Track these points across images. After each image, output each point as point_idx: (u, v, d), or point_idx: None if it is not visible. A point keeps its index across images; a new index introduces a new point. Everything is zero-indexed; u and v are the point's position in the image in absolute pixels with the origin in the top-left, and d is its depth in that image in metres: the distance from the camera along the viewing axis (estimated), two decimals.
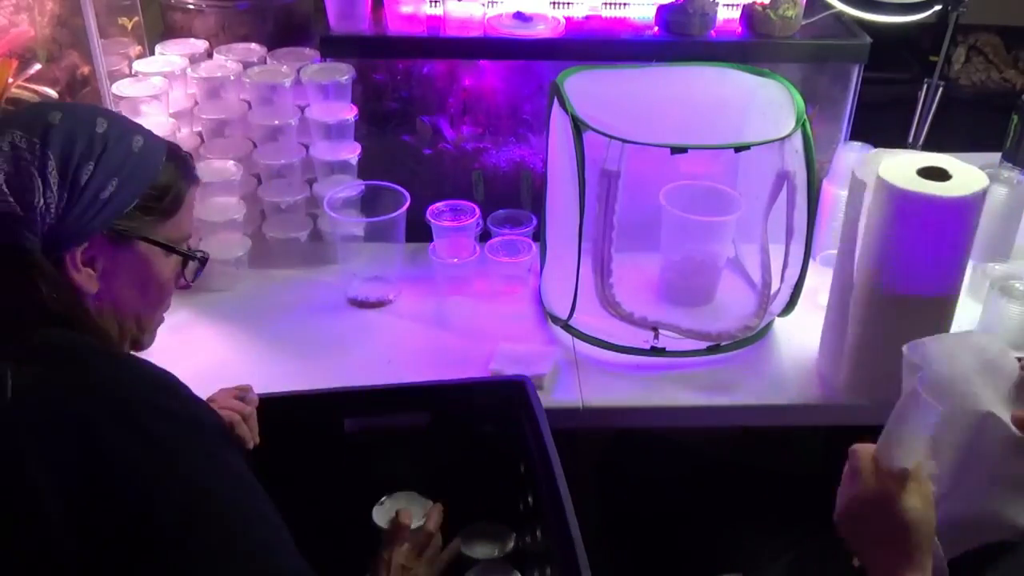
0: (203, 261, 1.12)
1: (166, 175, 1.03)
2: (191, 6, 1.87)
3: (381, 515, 1.33)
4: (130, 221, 1.00)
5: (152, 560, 0.85)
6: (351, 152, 1.76)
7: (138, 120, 1.08)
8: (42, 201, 0.94)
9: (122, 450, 0.87)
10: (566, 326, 1.59)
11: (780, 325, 1.65)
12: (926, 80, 1.93)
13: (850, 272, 1.40)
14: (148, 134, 1.05)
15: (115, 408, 0.89)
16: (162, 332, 1.26)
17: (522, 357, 1.52)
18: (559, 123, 1.51)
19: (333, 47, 1.77)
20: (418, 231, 1.70)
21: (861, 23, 1.80)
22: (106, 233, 0.99)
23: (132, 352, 1.09)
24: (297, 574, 0.92)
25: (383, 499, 1.35)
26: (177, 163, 1.07)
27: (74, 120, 0.98)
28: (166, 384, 0.97)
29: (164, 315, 1.14)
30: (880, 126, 1.87)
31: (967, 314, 1.59)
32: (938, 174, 1.31)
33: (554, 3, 1.82)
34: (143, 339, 1.10)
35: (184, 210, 1.07)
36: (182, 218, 1.07)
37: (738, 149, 1.45)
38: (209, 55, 1.84)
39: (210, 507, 0.89)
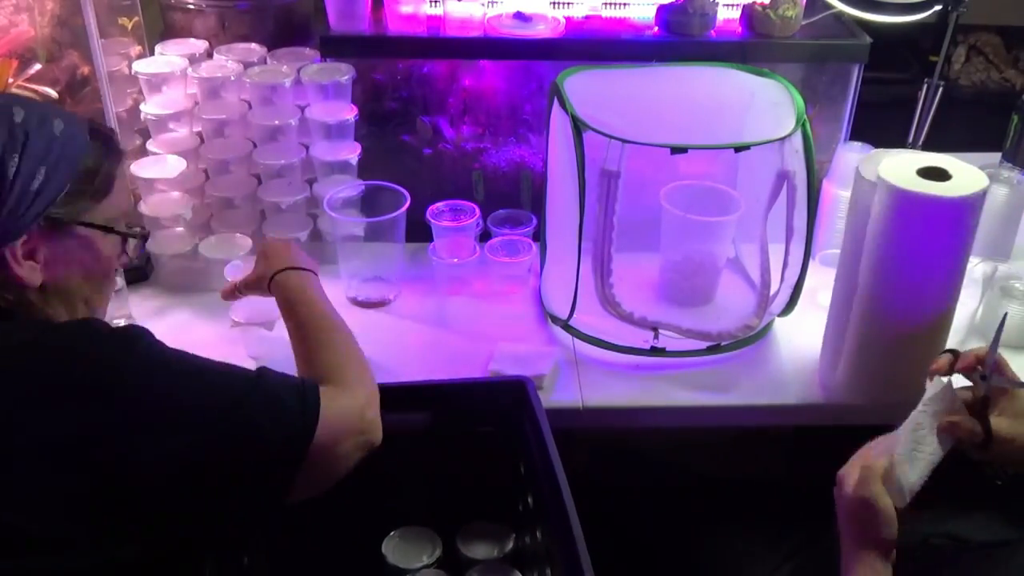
0: (143, 237, 1.12)
1: (93, 156, 1.02)
2: (191, 6, 1.87)
3: (391, 549, 1.33)
4: (64, 208, 0.99)
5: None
6: (351, 152, 1.76)
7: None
8: None
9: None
10: (566, 326, 1.59)
11: (780, 325, 1.65)
12: (926, 80, 1.93)
13: (854, 273, 1.40)
14: (65, 115, 1.03)
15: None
16: (162, 332, 1.25)
17: (522, 357, 1.52)
18: (559, 123, 1.51)
19: (333, 47, 1.77)
20: (418, 231, 1.70)
21: (861, 23, 1.80)
22: (42, 224, 0.98)
23: None
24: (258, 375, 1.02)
25: (393, 533, 1.35)
26: (102, 140, 1.05)
27: None
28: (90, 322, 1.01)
29: (111, 295, 1.14)
30: (880, 126, 1.87)
31: (967, 314, 1.59)
32: (938, 174, 1.31)
33: (554, 3, 1.82)
34: (90, 310, 1.10)
35: (116, 188, 1.05)
36: (116, 196, 1.05)
37: (738, 149, 1.45)
38: (209, 55, 1.84)
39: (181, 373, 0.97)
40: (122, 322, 1.57)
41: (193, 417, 0.93)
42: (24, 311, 0.99)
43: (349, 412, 1.06)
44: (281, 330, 1.29)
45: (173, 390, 0.94)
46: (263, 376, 1.02)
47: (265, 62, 1.82)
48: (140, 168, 1.69)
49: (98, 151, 1.03)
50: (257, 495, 0.98)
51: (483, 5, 1.76)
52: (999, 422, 1.10)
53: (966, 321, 1.58)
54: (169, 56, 1.79)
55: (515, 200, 1.85)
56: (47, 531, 0.87)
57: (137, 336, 0.97)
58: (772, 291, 1.56)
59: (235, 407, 0.96)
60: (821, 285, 1.63)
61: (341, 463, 1.05)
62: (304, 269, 1.28)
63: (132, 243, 1.11)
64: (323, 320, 1.20)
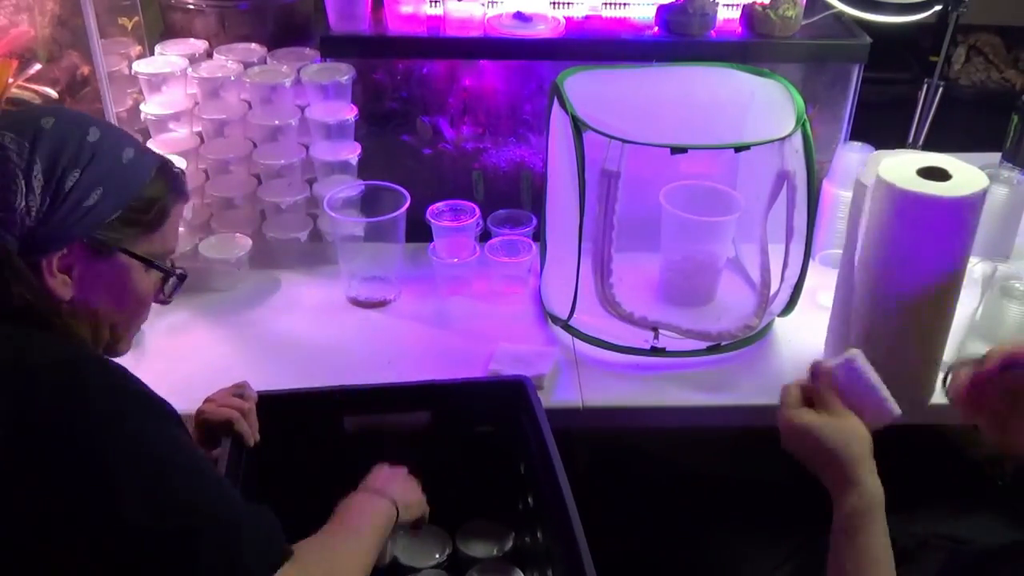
0: (181, 278, 1.11)
1: (153, 189, 1.03)
2: (191, 6, 1.87)
3: (400, 548, 1.33)
4: (111, 232, 1.00)
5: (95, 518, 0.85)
6: (351, 152, 1.76)
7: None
8: (23, 203, 0.94)
9: (59, 413, 0.87)
10: (566, 326, 1.59)
11: (780, 325, 1.65)
12: (926, 80, 1.93)
13: (859, 276, 1.40)
14: (140, 147, 1.05)
15: (58, 377, 0.90)
16: (162, 332, 1.26)
17: (522, 357, 1.52)
18: (559, 123, 1.51)
19: (333, 47, 1.77)
20: (418, 231, 1.70)
21: (861, 23, 1.80)
22: (86, 241, 0.98)
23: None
24: (242, 516, 0.92)
25: (402, 531, 1.35)
26: (167, 178, 1.06)
27: (66, 126, 0.98)
28: (118, 369, 0.97)
29: (142, 326, 1.14)
30: (880, 126, 1.87)
31: (967, 314, 1.59)
32: (938, 174, 1.31)
33: (554, 3, 1.82)
34: (117, 347, 1.09)
35: (168, 225, 1.07)
36: (166, 233, 1.06)
37: (738, 149, 1.45)
38: (209, 55, 1.84)
39: (154, 464, 0.89)
40: None
41: (155, 503, 0.87)
42: (49, 323, 0.98)
43: None
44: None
45: (165, 468, 0.89)
46: (245, 519, 0.92)
47: (265, 62, 1.82)
48: None
49: (160, 186, 1.04)
50: None
51: (483, 5, 1.76)
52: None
53: (966, 321, 1.58)
54: (169, 56, 1.79)
55: (515, 200, 1.85)
56: None
57: (165, 412, 0.95)
58: (772, 291, 1.56)
59: (198, 526, 0.88)
60: (821, 285, 1.63)
61: None
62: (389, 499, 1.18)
63: (171, 282, 1.10)
64: (359, 529, 1.11)
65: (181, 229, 1.73)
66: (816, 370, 1.14)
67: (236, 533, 0.90)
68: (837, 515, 1.06)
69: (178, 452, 0.92)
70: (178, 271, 1.11)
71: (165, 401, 0.96)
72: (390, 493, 1.18)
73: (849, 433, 1.08)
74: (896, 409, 1.12)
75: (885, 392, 1.12)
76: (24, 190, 0.94)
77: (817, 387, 1.12)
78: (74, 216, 0.97)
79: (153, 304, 1.12)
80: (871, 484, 1.05)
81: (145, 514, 0.85)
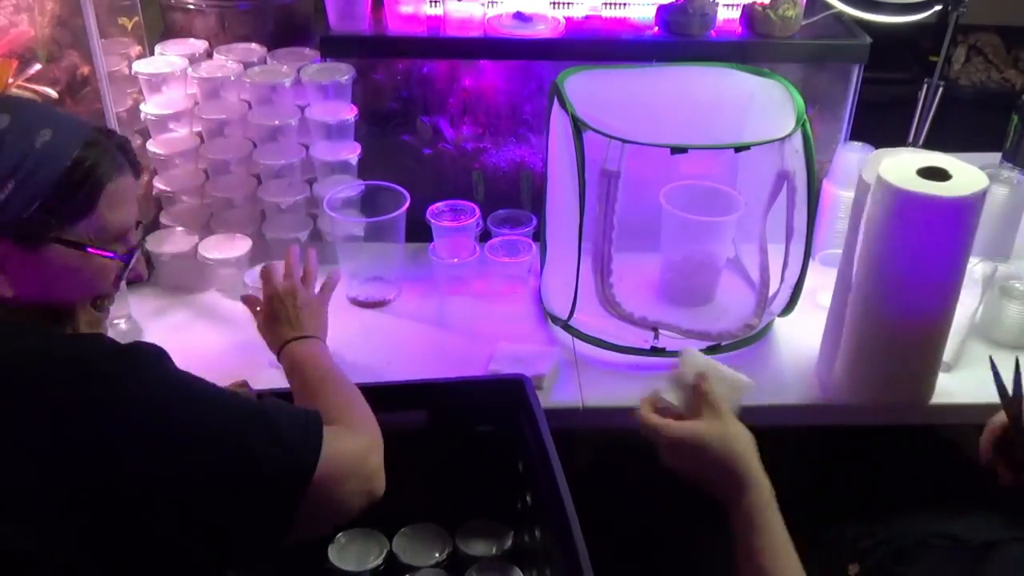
0: (124, 259, 1.03)
1: (77, 170, 0.94)
2: (191, 6, 1.87)
3: (336, 553, 1.33)
4: (35, 224, 0.93)
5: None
6: (351, 152, 1.76)
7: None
8: None
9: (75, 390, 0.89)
10: (566, 326, 1.59)
11: (780, 325, 1.65)
12: (926, 80, 1.93)
13: (859, 276, 1.40)
14: (61, 125, 0.96)
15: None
16: (162, 332, 1.26)
17: (522, 357, 1.52)
18: (559, 123, 1.51)
19: (333, 47, 1.77)
20: (418, 231, 1.70)
21: (861, 23, 1.80)
22: (8, 238, 0.93)
23: None
24: (266, 408, 0.98)
25: (339, 536, 1.35)
26: (97, 150, 0.97)
27: None
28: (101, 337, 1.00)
29: (109, 310, 1.08)
30: (880, 126, 1.87)
31: (967, 314, 1.59)
32: (938, 174, 1.31)
33: (554, 3, 1.82)
34: (78, 331, 1.03)
35: (106, 205, 0.97)
36: (106, 212, 0.98)
37: (738, 149, 1.45)
38: (209, 55, 1.84)
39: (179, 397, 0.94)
40: (122, 322, 1.58)
41: (194, 441, 0.91)
42: (3, 320, 0.96)
43: (352, 452, 1.01)
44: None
45: (177, 412, 0.92)
46: (266, 406, 0.98)
47: (265, 62, 1.82)
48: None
49: (88, 165, 0.95)
50: (256, 527, 0.94)
51: (483, 5, 1.76)
52: None
53: (966, 321, 1.58)
54: (169, 56, 1.79)
55: (515, 200, 1.85)
56: (44, 544, 0.86)
57: (147, 354, 0.95)
58: (772, 291, 1.56)
59: (236, 435, 0.93)
60: (821, 285, 1.63)
61: (342, 505, 0.99)
62: (308, 337, 1.27)
63: (132, 262, 1.05)
64: (328, 375, 1.18)
65: (179, 228, 1.73)
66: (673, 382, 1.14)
67: (268, 415, 0.96)
68: (736, 516, 1.05)
69: (191, 382, 0.96)
70: (126, 252, 1.03)
71: (142, 343, 0.98)
72: (306, 326, 1.28)
73: (732, 432, 1.08)
74: (746, 378, 1.14)
75: (728, 369, 1.15)
76: None
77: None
78: None
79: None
80: (762, 478, 1.05)
81: (201, 435, 0.91)
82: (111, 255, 1.01)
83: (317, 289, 1.39)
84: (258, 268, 1.43)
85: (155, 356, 0.95)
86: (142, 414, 0.90)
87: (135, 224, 1.05)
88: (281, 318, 1.30)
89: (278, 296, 1.32)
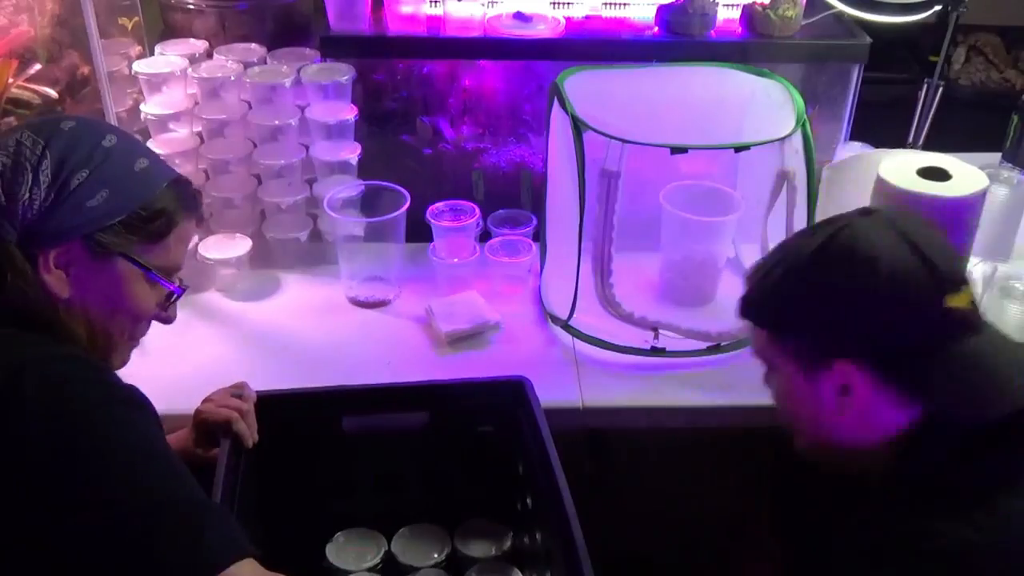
0: (177, 290, 1.09)
1: (162, 200, 1.04)
2: (191, 6, 1.87)
3: (334, 552, 1.33)
4: (113, 235, 1.00)
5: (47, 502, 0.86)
6: (351, 152, 1.76)
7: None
8: (27, 195, 0.96)
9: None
10: (566, 326, 1.59)
11: None
12: (926, 80, 1.93)
13: None
14: (157, 161, 1.06)
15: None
16: (162, 332, 1.25)
17: (461, 311, 1.58)
18: (559, 123, 1.51)
19: (333, 47, 1.77)
20: (418, 231, 1.70)
21: (861, 23, 1.80)
22: (85, 241, 0.99)
23: None
24: (193, 502, 0.91)
25: (338, 535, 1.35)
26: (180, 193, 1.07)
27: (83, 130, 1.00)
28: (101, 365, 0.99)
29: (138, 341, 1.12)
30: (880, 126, 1.87)
31: None
32: (938, 174, 1.31)
33: (554, 3, 1.82)
34: (111, 358, 1.08)
35: (174, 240, 1.06)
36: (171, 248, 1.06)
37: (738, 149, 1.45)
38: (209, 55, 1.84)
39: (124, 452, 0.90)
40: None
41: (118, 495, 0.87)
42: (45, 320, 0.99)
43: None
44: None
45: (117, 466, 0.89)
46: (205, 509, 0.92)
47: (265, 62, 1.82)
48: None
49: (170, 199, 1.04)
50: None
51: (483, 5, 1.76)
52: None
53: None
54: (169, 56, 1.79)
55: (515, 200, 1.85)
56: None
57: (128, 399, 0.94)
58: None
59: (153, 524, 0.87)
60: None
61: None
62: None
63: (172, 299, 1.10)
64: None
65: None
66: None
67: (200, 520, 0.89)
68: None
69: (151, 443, 0.93)
70: (177, 282, 1.10)
71: (145, 399, 0.97)
72: None
73: None
74: None
75: None
76: (30, 183, 0.96)
77: None
78: (76, 213, 0.97)
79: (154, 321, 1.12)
80: None
81: (113, 495, 0.87)
82: (166, 283, 1.07)
83: None
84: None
85: (136, 404, 0.95)
86: (83, 445, 0.88)
87: (181, 268, 1.12)
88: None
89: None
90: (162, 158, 1.10)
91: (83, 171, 0.98)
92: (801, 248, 1.02)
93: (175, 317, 1.14)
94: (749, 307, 1.08)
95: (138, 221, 1.02)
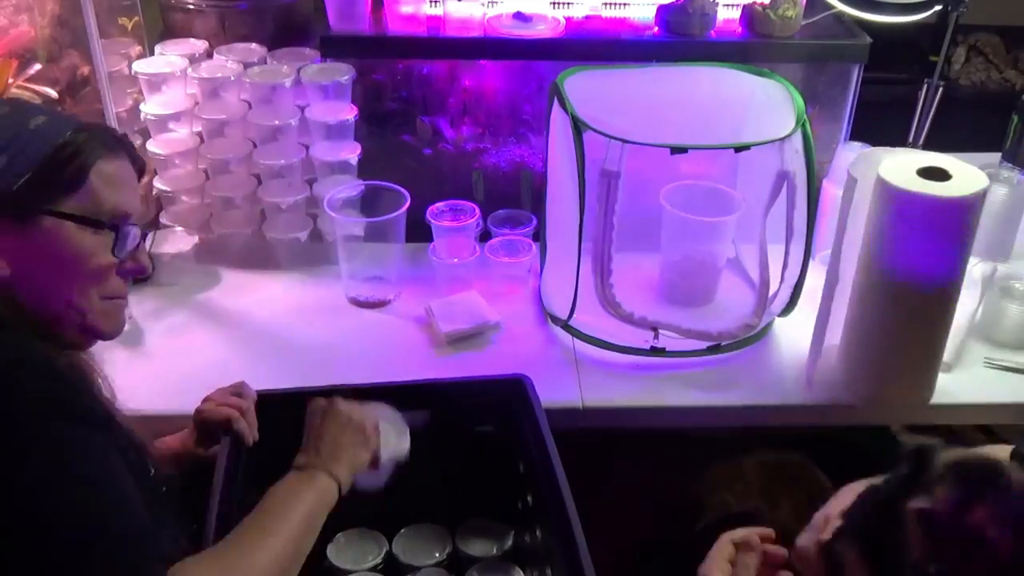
0: (113, 229, 1.02)
1: (69, 147, 0.98)
2: (191, 6, 1.87)
3: (334, 552, 1.33)
4: (27, 195, 0.96)
5: None
6: (351, 152, 1.76)
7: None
8: None
9: None
10: (566, 326, 1.59)
11: (780, 325, 1.65)
12: (926, 80, 1.93)
13: (859, 276, 1.40)
14: (57, 116, 1.02)
15: None
16: (162, 332, 1.26)
17: (461, 311, 1.58)
18: (559, 123, 1.51)
19: (333, 47, 1.77)
20: (418, 231, 1.70)
21: (861, 23, 1.80)
22: (2, 212, 0.96)
23: (95, 339, 1.06)
24: (126, 535, 0.87)
25: (338, 535, 1.35)
26: (90, 135, 1.01)
27: None
28: (57, 374, 0.95)
29: (120, 301, 1.07)
30: (880, 126, 1.87)
31: (967, 314, 1.59)
32: (938, 174, 1.31)
33: (554, 3, 1.82)
34: (92, 323, 1.03)
35: (98, 183, 1.00)
36: (96, 191, 1.00)
37: (738, 149, 1.45)
38: (209, 55, 1.84)
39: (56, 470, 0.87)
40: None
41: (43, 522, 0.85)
42: (12, 316, 0.96)
43: None
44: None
45: (50, 492, 0.86)
46: (142, 539, 0.88)
47: (265, 62, 1.82)
48: None
49: (79, 144, 0.99)
50: None
51: (483, 5, 1.76)
52: None
53: (966, 321, 1.58)
54: (169, 56, 1.79)
55: (515, 200, 1.85)
56: None
57: (74, 418, 0.91)
58: (772, 291, 1.56)
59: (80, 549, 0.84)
60: (821, 285, 1.63)
61: None
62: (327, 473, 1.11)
63: (125, 244, 1.03)
64: (285, 519, 1.03)
65: (179, 229, 1.74)
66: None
67: (129, 551, 0.86)
68: None
69: (91, 467, 0.89)
70: (127, 227, 1.03)
71: (94, 408, 0.94)
72: (328, 464, 1.10)
73: None
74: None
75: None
76: None
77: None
78: None
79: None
80: None
81: (39, 521, 0.84)
82: (99, 226, 1.00)
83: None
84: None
85: (87, 427, 0.92)
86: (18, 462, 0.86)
87: (135, 214, 1.05)
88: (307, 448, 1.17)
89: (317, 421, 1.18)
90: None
91: None
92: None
93: (145, 262, 1.08)
94: None
95: (47, 174, 0.97)
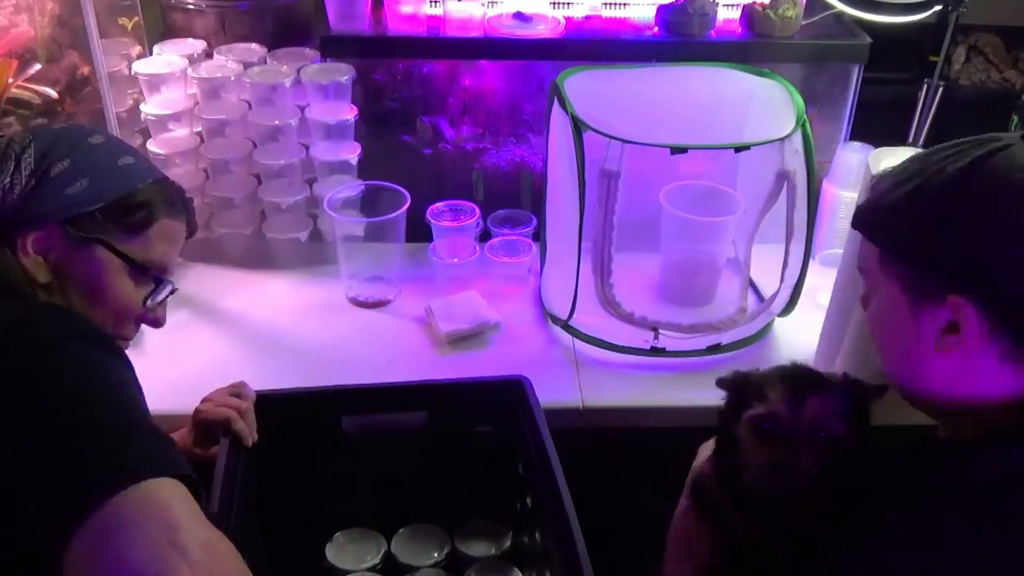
0: (159, 285, 1.10)
1: (144, 195, 1.06)
2: (191, 6, 1.87)
3: (333, 552, 1.33)
4: (91, 223, 1.03)
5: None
6: (351, 152, 1.76)
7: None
8: (8, 181, 0.99)
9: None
10: (566, 326, 1.59)
11: (780, 325, 1.65)
12: (926, 80, 1.93)
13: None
14: (144, 160, 1.09)
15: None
16: (162, 332, 1.26)
17: (461, 311, 1.58)
18: (559, 123, 1.51)
19: (333, 47, 1.77)
20: (418, 231, 1.70)
21: (861, 23, 1.80)
22: (63, 227, 1.01)
23: None
24: (132, 423, 0.88)
25: (337, 535, 1.35)
26: (164, 191, 1.09)
27: (71, 129, 1.05)
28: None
29: (127, 342, 1.13)
30: (880, 126, 1.86)
31: None
32: None
33: (554, 3, 1.82)
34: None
35: (156, 236, 1.08)
36: (152, 244, 1.08)
37: (738, 149, 1.45)
38: (209, 55, 1.84)
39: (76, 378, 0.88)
40: None
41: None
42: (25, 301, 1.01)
43: (164, 520, 0.80)
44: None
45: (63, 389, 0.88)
46: (144, 431, 0.88)
47: (265, 62, 1.82)
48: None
49: (153, 194, 1.07)
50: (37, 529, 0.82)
51: (483, 5, 1.76)
52: None
53: None
54: (169, 56, 1.79)
55: (515, 200, 1.85)
56: None
57: (95, 341, 0.93)
58: (770, 291, 1.56)
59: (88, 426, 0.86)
60: (821, 285, 1.63)
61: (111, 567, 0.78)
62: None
63: (158, 296, 1.11)
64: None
65: None
66: None
67: (129, 435, 0.86)
68: None
69: (107, 374, 0.90)
70: (159, 276, 1.10)
71: (122, 352, 0.96)
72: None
73: None
74: None
75: None
76: (12, 169, 1.00)
77: None
78: (54, 199, 1.00)
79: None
80: None
81: (51, 407, 0.85)
82: (146, 275, 1.09)
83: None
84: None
85: (107, 348, 0.93)
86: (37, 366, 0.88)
87: (173, 272, 1.14)
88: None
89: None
90: (162, 160, 1.12)
91: (64, 160, 1.01)
92: (944, 164, 0.88)
93: (164, 318, 1.15)
94: (866, 220, 0.96)
95: (117, 211, 1.04)
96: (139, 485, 0.81)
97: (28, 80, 1.55)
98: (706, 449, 1.18)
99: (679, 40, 1.75)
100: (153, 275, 1.10)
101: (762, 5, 1.75)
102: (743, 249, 1.63)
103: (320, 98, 1.75)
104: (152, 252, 1.08)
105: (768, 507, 1.01)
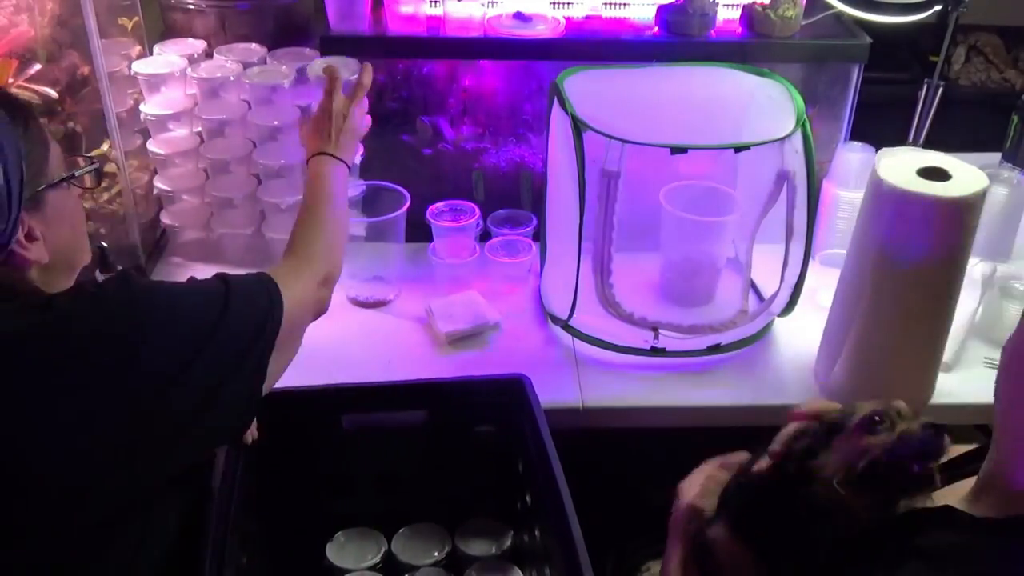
0: (95, 166, 1.12)
1: (26, 140, 1.01)
2: (191, 6, 1.87)
3: (334, 551, 1.33)
4: (30, 185, 1.00)
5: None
6: None
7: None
8: None
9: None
10: (566, 326, 1.59)
11: (780, 325, 1.65)
12: (926, 80, 1.93)
13: (859, 276, 1.39)
14: None
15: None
16: None
17: (461, 311, 1.58)
18: (559, 123, 1.51)
19: (333, 47, 1.77)
20: (418, 231, 1.70)
21: (861, 23, 1.80)
22: (24, 208, 0.99)
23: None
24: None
25: (338, 535, 1.35)
26: (17, 117, 1.02)
27: None
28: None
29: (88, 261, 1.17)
30: (880, 126, 1.87)
31: (967, 314, 1.59)
32: (938, 174, 1.31)
33: (554, 3, 1.82)
34: (84, 258, 1.13)
35: (40, 147, 1.04)
36: (51, 154, 1.05)
37: (738, 149, 1.45)
38: (209, 55, 1.84)
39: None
40: None
41: (200, 332, 1.00)
42: (24, 292, 1.01)
43: (304, 295, 1.17)
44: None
45: (178, 315, 1.00)
46: (231, 283, 1.08)
47: (265, 62, 1.82)
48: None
49: (13, 125, 1.01)
50: (243, 388, 1.05)
51: (483, 5, 1.76)
52: None
53: (966, 321, 1.58)
54: (169, 56, 1.79)
55: (515, 200, 1.85)
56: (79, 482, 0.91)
57: (128, 278, 1.01)
58: (770, 291, 1.56)
59: (223, 315, 1.02)
60: (821, 285, 1.63)
61: (299, 340, 1.17)
62: (338, 159, 1.35)
63: (86, 177, 1.11)
64: (329, 200, 1.30)
65: (177, 227, 1.73)
66: None
67: (238, 290, 1.07)
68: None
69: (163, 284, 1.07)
70: (86, 163, 1.12)
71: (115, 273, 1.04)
72: (345, 155, 1.36)
73: None
74: None
75: None
76: None
77: None
78: (8, 204, 0.97)
79: None
80: None
81: (203, 325, 1.00)
82: (82, 171, 1.10)
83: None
84: (326, 61, 1.61)
85: (129, 276, 1.02)
86: (152, 329, 0.97)
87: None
88: (324, 135, 1.38)
89: (330, 114, 1.38)
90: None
91: None
92: None
93: (98, 183, 1.18)
94: None
95: (29, 160, 1.00)
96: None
97: (28, 80, 1.55)
98: (691, 488, 1.13)
99: (679, 40, 1.75)
100: (82, 164, 1.11)
101: (762, 5, 1.75)
102: (743, 249, 1.63)
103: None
104: (55, 154, 1.06)
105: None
